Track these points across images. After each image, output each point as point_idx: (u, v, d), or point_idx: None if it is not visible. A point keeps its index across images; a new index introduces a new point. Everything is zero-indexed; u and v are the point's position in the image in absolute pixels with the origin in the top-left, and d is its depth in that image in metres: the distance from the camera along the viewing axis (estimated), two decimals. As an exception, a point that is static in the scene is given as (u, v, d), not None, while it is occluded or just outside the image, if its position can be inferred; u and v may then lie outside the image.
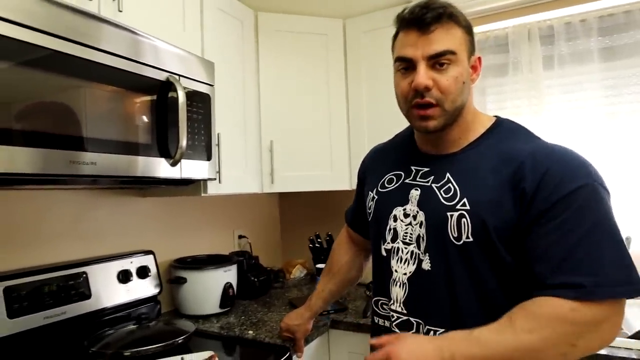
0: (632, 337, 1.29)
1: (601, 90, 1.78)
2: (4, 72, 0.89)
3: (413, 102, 0.89)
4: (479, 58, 0.94)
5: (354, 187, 1.92)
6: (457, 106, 0.89)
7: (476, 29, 1.98)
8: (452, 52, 0.86)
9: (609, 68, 1.77)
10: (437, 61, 0.86)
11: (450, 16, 0.87)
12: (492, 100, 1.97)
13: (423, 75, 0.86)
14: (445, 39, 0.86)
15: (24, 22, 0.91)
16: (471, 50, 0.92)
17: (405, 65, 0.90)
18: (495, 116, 0.98)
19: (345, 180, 1.96)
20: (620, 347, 1.23)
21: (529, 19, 1.88)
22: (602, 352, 1.21)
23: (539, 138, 0.90)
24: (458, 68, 0.87)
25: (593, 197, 0.77)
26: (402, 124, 1.06)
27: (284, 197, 2.56)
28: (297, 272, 2.22)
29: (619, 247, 0.76)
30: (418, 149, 1.02)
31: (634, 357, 1.18)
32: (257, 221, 2.37)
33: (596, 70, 1.79)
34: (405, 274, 0.93)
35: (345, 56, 1.98)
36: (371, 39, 1.91)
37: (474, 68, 0.93)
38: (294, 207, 2.52)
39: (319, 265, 1.84)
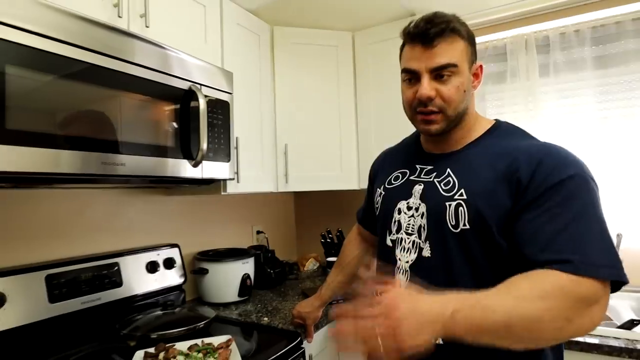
0: (620, 327, 1.28)
1: (594, 96, 1.77)
2: (48, 84, 0.93)
3: (417, 109, 0.91)
4: (481, 66, 0.94)
5: (362, 186, 1.95)
6: (459, 112, 0.90)
7: (476, 40, 1.98)
8: (454, 65, 0.87)
9: (602, 75, 1.76)
10: (439, 73, 0.87)
11: (453, 30, 0.87)
12: (492, 106, 1.96)
13: (426, 87, 0.87)
14: (447, 52, 0.87)
15: (62, 38, 0.95)
16: (472, 59, 0.92)
17: (410, 77, 0.91)
18: (495, 119, 0.99)
19: (354, 180, 1.97)
20: (609, 337, 1.22)
21: (526, 30, 1.88)
22: (594, 341, 1.21)
23: (534, 137, 0.90)
24: (459, 78, 0.88)
25: (581, 187, 0.77)
26: (406, 127, 1.07)
27: (298, 195, 2.57)
28: (310, 265, 2.22)
29: (603, 233, 0.75)
30: (423, 150, 1.03)
31: (623, 345, 1.17)
32: (274, 218, 2.39)
33: (589, 77, 1.77)
34: (407, 262, 0.93)
35: (354, 66, 1.99)
36: (377, 51, 1.92)
37: (476, 75, 0.93)
38: (307, 205, 2.54)
39: (330, 259, 1.86)
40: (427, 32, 0.86)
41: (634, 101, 1.70)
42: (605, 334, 1.23)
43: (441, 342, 0.84)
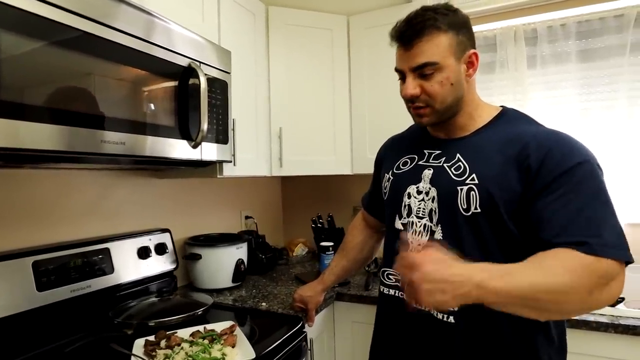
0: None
1: (576, 88, 1.80)
2: (42, 53, 0.81)
3: (408, 105, 0.94)
4: (474, 53, 0.91)
5: (355, 171, 1.91)
6: (448, 104, 0.90)
7: (467, 30, 1.96)
8: (433, 63, 0.86)
9: (584, 68, 1.79)
10: (421, 71, 0.88)
11: (432, 27, 0.86)
12: (481, 95, 1.93)
13: (408, 86, 0.90)
14: (425, 51, 0.86)
15: (56, 2, 0.83)
16: (462, 49, 0.89)
17: (400, 76, 0.93)
18: (502, 106, 0.99)
19: (347, 164, 1.92)
20: (596, 313, 1.26)
21: (516, 22, 1.87)
22: (582, 317, 1.24)
23: (541, 124, 0.92)
24: (443, 74, 0.87)
25: (590, 173, 0.79)
26: (399, 113, 1.08)
27: (285, 180, 2.48)
28: (299, 250, 2.16)
29: (614, 217, 0.77)
30: (430, 135, 1.02)
31: (608, 322, 1.22)
32: (261, 203, 2.30)
33: (573, 70, 1.80)
34: (419, 244, 0.92)
35: (348, 50, 1.91)
36: (372, 35, 1.85)
37: (470, 63, 0.91)
38: (295, 189, 2.46)
39: (322, 244, 1.81)
40: (404, 33, 0.88)
41: (614, 94, 1.74)
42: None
43: (453, 320, 0.86)
